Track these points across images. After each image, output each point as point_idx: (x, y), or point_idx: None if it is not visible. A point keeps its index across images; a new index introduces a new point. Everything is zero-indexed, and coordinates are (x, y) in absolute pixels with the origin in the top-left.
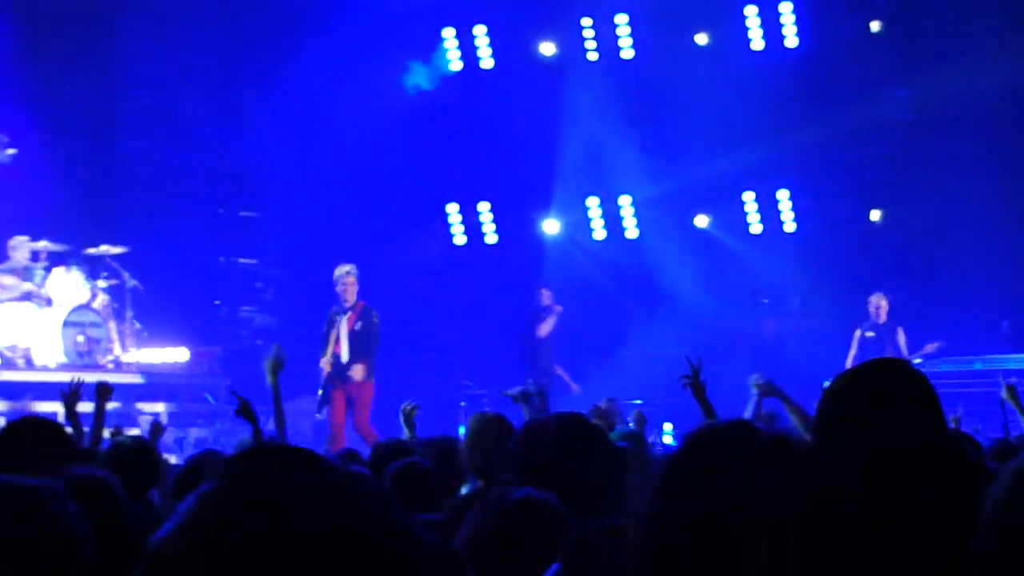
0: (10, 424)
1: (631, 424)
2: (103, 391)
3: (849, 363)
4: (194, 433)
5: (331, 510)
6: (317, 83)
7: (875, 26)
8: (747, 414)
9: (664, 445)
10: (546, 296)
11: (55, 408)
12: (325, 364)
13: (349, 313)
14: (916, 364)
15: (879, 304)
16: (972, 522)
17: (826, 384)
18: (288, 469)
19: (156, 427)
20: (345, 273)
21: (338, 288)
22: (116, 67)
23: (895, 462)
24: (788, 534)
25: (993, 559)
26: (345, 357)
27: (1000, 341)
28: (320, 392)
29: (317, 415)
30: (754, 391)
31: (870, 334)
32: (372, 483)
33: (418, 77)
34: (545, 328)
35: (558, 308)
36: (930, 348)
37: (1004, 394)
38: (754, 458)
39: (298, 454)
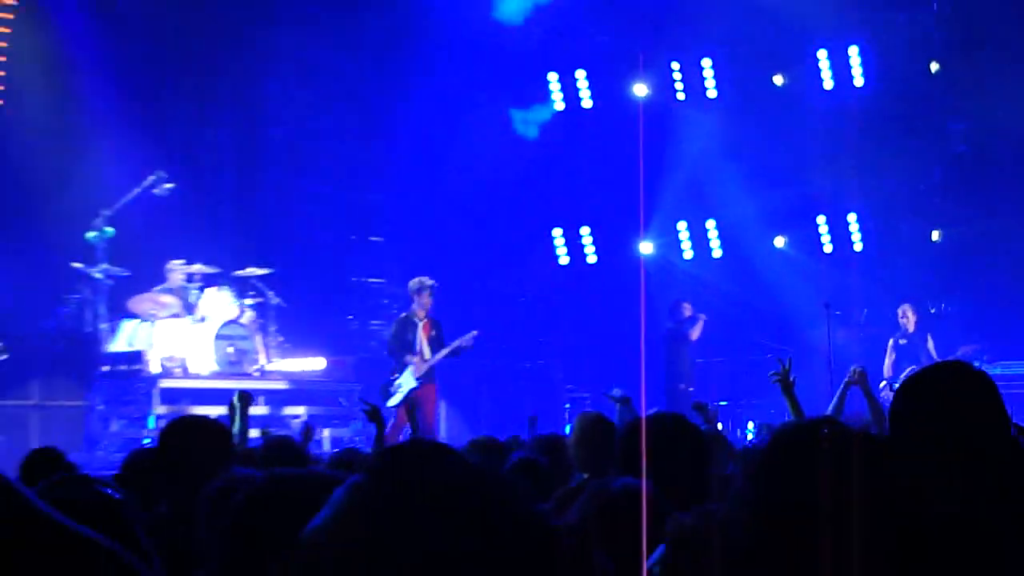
0: (171, 423)
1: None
2: (244, 398)
3: (886, 369)
4: (329, 433)
5: (466, 500)
6: (436, 122)
7: (934, 67)
8: (830, 408)
9: (747, 441)
10: (687, 308)
11: (209, 411)
12: (417, 360)
13: (424, 321)
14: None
15: (908, 314)
16: None
17: (896, 384)
18: (427, 462)
19: (308, 429)
20: (430, 285)
21: (421, 298)
22: (259, 110)
23: (965, 456)
24: (868, 521)
25: None
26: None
27: None
28: (399, 385)
29: (388, 404)
30: (848, 381)
31: (903, 341)
32: (502, 476)
33: (522, 126)
34: (695, 333)
35: (702, 316)
36: (966, 350)
37: None
38: (837, 451)
39: (435, 449)
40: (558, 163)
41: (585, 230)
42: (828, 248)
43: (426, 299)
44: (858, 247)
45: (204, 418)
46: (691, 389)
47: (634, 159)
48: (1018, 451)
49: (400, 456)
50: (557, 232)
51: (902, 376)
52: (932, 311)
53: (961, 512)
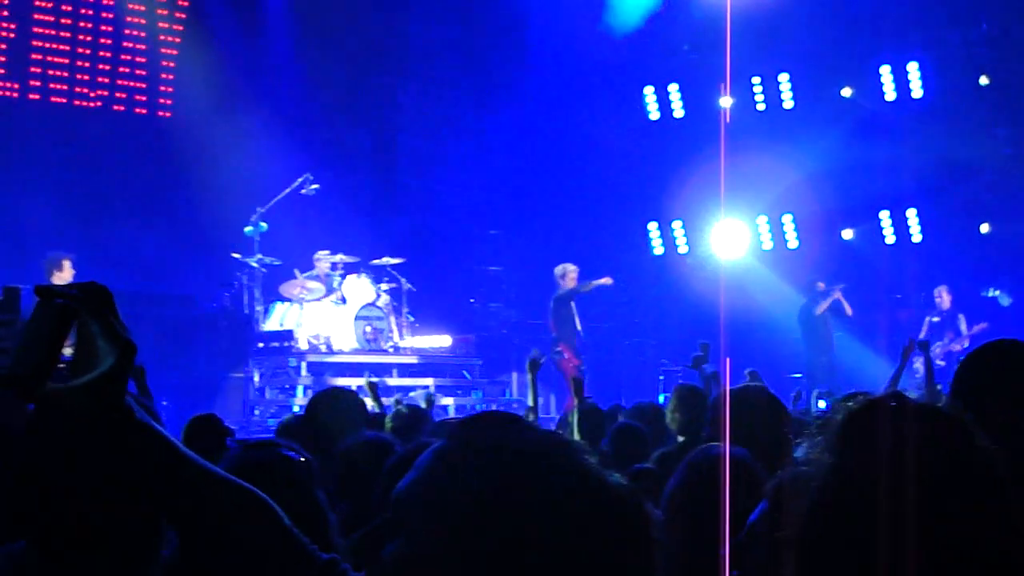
0: (317, 394)
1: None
2: (372, 386)
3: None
4: (453, 401)
5: (536, 465)
6: (545, 131)
7: (983, 80)
8: (890, 380)
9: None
10: (821, 285)
11: (349, 383)
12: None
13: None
14: None
15: (943, 295)
16: None
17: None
18: (503, 430)
19: (429, 398)
20: (574, 268)
21: (568, 281)
22: (393, 119)
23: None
24: (932, 488)
25: None
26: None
27: None
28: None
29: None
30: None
31: (936, 319)
32: (572, 443)
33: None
34: (821, 308)
35: (836, 290)
36: (977, 328)
37: None
38: (906, 419)
39: (510, 418)
40: (655, 167)
41: (677, 224)
42: (891, 240)
43: (572, 279)
44: (916, 239)
45: (343, 389)
46: (828, 359)
47: (719, 162)
48: None
49: (478, 424)
50: (652, 226)
51: (934, 351)
52: (995, 293)
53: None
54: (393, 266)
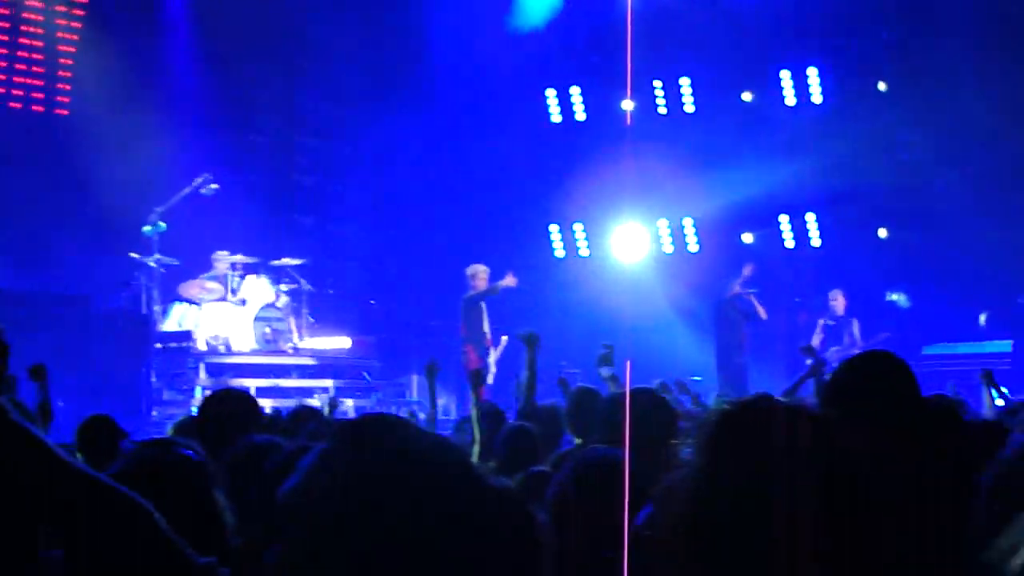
0: (210, 395)
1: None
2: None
3: (815, 343)
4: (353, 403)
5: (418, 467)
6: (446, 130)
7: (882, 86)
8: (789, 388)
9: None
10: (742, 281)
11: (248, 384)
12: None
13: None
14: (925, 352)
15: (838, 299)
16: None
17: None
18: (387, 433)
19: (332, 402)
20: (485, 269)
21: (479, 281)
22: (292, 120)
23: (889, 428)
24: (795, 487)
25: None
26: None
27: (980, 330)
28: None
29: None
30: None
31: (830, 323)
32: (454, 445)
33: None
34: (762, 312)
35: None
36: (881, 336)
37: (982, 377)
38: (776, 423)
39: (394, 421)
40: (555, 170)
41: (578, 226)
42: (790, 244)
43: (482, 281)
44: (816, 243)
45: (237, 390)
46: (740, 361)
47: (621, 165)
48: (937, 416)
49: (363, 427)
50: (554, 228)
51: (828, 355)
52: (894, 297)
53: (901, 477)
54: (293, 267)
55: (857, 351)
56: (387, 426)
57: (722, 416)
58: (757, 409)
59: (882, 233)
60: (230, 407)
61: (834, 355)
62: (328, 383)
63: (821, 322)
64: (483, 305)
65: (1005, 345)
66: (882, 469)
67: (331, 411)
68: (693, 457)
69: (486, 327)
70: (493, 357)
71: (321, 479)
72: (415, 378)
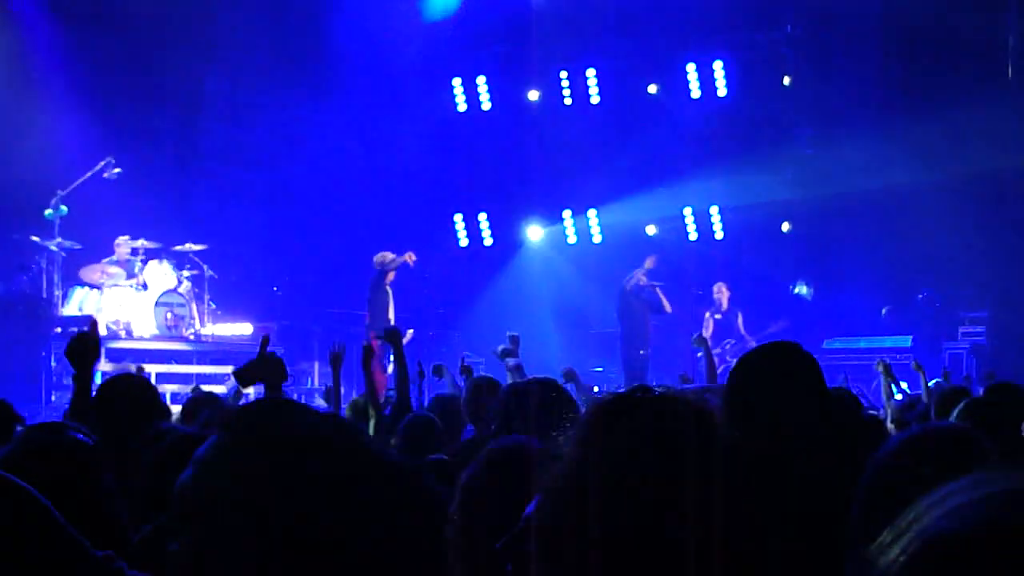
0: (108, 380)
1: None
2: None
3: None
4: (254, 391)
5: (315, 448)
6: (352, 120)
7: (786, 80)
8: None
9: None
10: (645, 269)
11: (149, 369)
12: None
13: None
14: (826, 345)
15: (722, 291)
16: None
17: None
18: (281, 416)
19: (238, 392)
20: (392, 256)
21: (390, 267)
22: (197, 104)
23: (790, 421)
24: (663, 478)
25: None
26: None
27: (881, 325)
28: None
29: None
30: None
31: (718, 316)
32: (350, 424)
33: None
34: (667, 305)
35: (655, 285)
36: (775, 327)
37: (878, 367)
38: (647, 414)
39: (287, 405)
40: (460, 159)
41: (483, 216)
42: (693, 236)
43: (392, 267)
44: (719, 236)
45: (134, 375)
46: (644, 352)
47: (527, 156)
48: (839, 408)
49: (254, 413)
50: (458, 217)
51: (723, 348)
52: (799, 290)
53: (795, 471)
54: (195, 252)
55: (754, 343)
56: (279, 411)
57: (594, 407)
58: (630, 400)
59: (785, 227)
60: (128, 392)
61: (730, 348)
62: (228, 369)
63: (708, 315)
64: (389, 291)
65: (904, 340)
66: (767, 464)
67: (236, 398)
68: (567, 448)
69: (391, 314)
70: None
71: (219, 469)
72: (316, 365)
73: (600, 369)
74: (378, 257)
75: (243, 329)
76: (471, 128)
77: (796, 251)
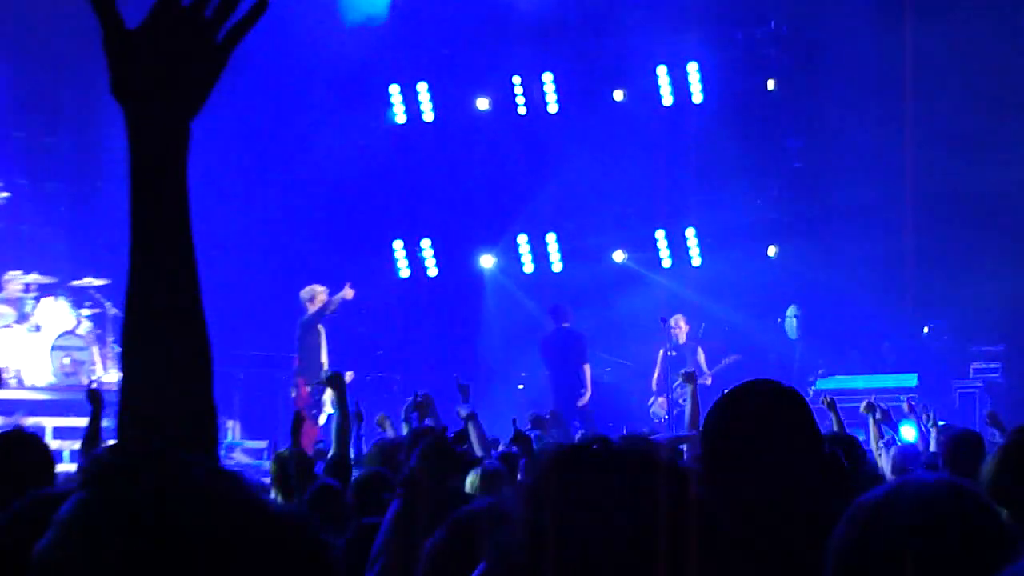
0: None
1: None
2: (95, 397)
3: (655, 381)
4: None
5: (193, 504)
6: (277, 133)
7: (771, 84)
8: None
9: None
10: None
11: (44, 423)
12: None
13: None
14: (818, 386)
15: (680, 324)
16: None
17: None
18: (154, 469)
19: None
20: (323, 289)
21: (317, 303)
22: (96, 123)
23: (778, 475)
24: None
25: None
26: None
27: (882, 361)
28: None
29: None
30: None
31: (672, 353)
32: (235, 475)
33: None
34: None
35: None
36: (728, 360)
37: (864, 410)
38: (617, 471)
39: (162, 455)
40: (399, 177)
41: (426, 242)
42: (667, 263)
43: (321, 302)
44: (696, 262)
45: (30, 435)
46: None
47: (474, 173)
48: (834, 468)
49: (122, 465)
50: (397, 244)
51: (677, 389)
52: (780, 320)
53: (771, 532)
54: (97, 288)
55: (709, 382)
56: (151, 461)
57: (546, 461)
58: (586, 452)
59: (770, 251)
60: (17, 453)
61: (680, 391)
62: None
63: (661, 352)
64: (321, 331)
65: (909, 379)
66: (750, 532)
67: None
68: (518, 510)
69: (324, 357)
70: (329, 394)
71: (82, 533)
72: (237, 415)
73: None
74: (306, 292)
75: None
76: (411, 142)
77: (784, 278)
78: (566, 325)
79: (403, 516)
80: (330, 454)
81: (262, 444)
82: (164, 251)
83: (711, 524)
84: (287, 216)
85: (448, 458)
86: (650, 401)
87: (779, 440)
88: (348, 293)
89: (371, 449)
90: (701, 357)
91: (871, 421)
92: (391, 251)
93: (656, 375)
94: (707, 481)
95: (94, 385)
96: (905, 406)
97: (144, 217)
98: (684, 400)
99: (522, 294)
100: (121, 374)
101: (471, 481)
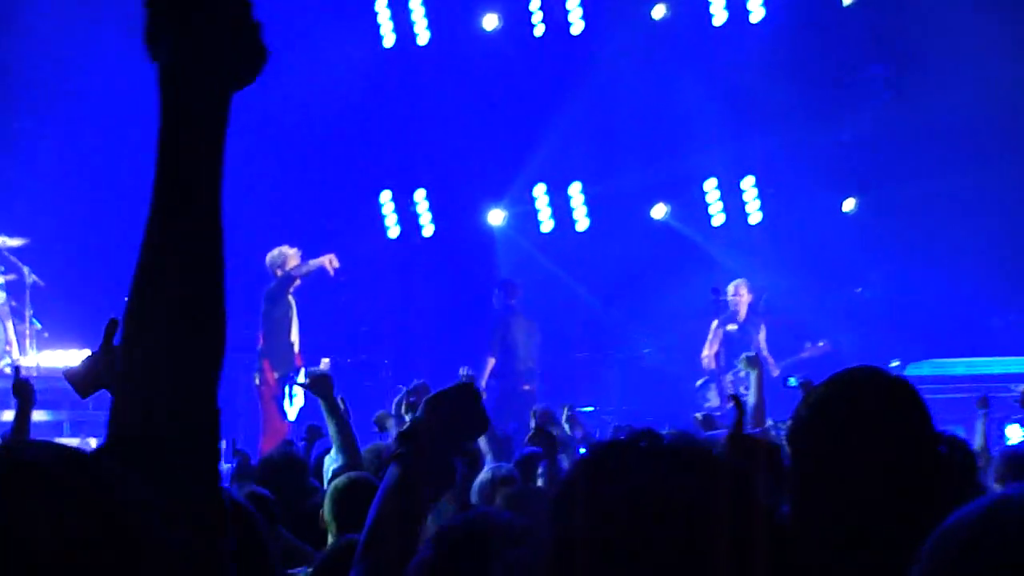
0: None
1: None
2: (21, 388)
3: (708, 360)
4: (96, 444)
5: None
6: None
7: None
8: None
9: None
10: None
11: None
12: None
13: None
14: (909, 371)
15: (741, 292)
16: None
17: (792, 382)
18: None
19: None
20: (295, 252)
21: (289, 267)
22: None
23: (888, 488)
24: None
25: None
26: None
27: (988, 342)
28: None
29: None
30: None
31: (732, 328)
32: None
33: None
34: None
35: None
36: (814, 348)
37: (978, 404)
38: (666, 474)
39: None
40: (386, 112)
41: (420, 195)
42: (718, 220)
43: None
44: (755, 218)
45: None
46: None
47: (480, 109)
48: (949, 473)
49: None
50: (385, 197)
51: (734, 377)
52: (858, 290)
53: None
54: (11, 250)
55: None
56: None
57: (580, 463)
58: (630, 451)
59: (848, 205)
60: None
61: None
62: (62, 416)
63: (714, 326)
64: (292, 303)
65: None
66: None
67: None
68: (539, 526)
69: (294, 336)
70: (303, 379)
71: None
72: None
73: (591, 408)
74: (273, 255)
75: (81, 359)
76: (402, 71)
77: (865, 239)
78: (513, 303)
79: (400, 487)
80: (336, 465)
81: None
82: (190, 224)
83: (782, 537)
84: (251, 163)
85: (471, 414)
86: (698, 383)
87: (888, 442)
88: (328, 261)
89: (365, 454)
90: (761, 337)
91: (980, 419)
92: (377, 205)
93: (708, 353)
94: (794, 491)
95: (19, 373)
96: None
97: (173, 179)
98: (745, 389)
99: (537, 258)
100: (119, 365)
101: (479, 485)
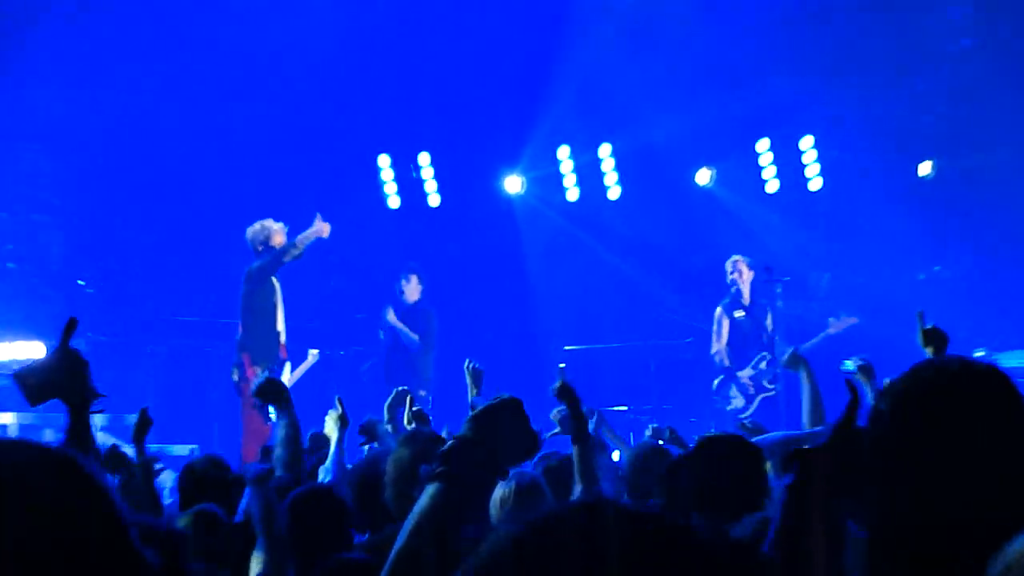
0: None
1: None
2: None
3: (720, 353)
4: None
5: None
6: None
7: None
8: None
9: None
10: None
11: None
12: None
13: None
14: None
15: (740, 270)
16: None
17: (849, 365)
18: None
19: None
20: (280, 227)
21: (275, 244)
22: None
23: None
24: None
25: None
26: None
27: None
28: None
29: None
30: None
31: (740, 314)
32: (64, 456)
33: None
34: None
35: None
36: (840, 324)
37: None
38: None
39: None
40: (381, 62)
41: (424, 159)
42: (772, 186)
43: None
44: (815, 184)
45: None
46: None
47: (496, 61)
48: None
49: None
50: (384, 162)
51: (755, 371)
52: (936, 269)
53: None
54: None
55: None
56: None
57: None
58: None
59: (924, 168)
60: None
61: (766, 369)
62: (9, 418)
63: (719, 312)
64: (277, 286)
65: None
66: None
67: None
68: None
69: (280, 325)
70: (288, 374)
71: None
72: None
73: (624, 408)
74: (255, 230)
75: (31, 351)
76: (399, 12)
77: (943, 207)
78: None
79: (439, 510)
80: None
81: (187, 450)
82: None
83: None
84: (227, 121)
85: (521, 433)
86: (715, 383)
87: (993, 437)
88: (322, 229)
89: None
90: (768, 321)
91: None
92: (375, 171)
93: (720, 347)
94: (881, 491)
95: None
96: None
97: None
98: (770, 384)
99: (562, 230)
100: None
101: (500, 497)
